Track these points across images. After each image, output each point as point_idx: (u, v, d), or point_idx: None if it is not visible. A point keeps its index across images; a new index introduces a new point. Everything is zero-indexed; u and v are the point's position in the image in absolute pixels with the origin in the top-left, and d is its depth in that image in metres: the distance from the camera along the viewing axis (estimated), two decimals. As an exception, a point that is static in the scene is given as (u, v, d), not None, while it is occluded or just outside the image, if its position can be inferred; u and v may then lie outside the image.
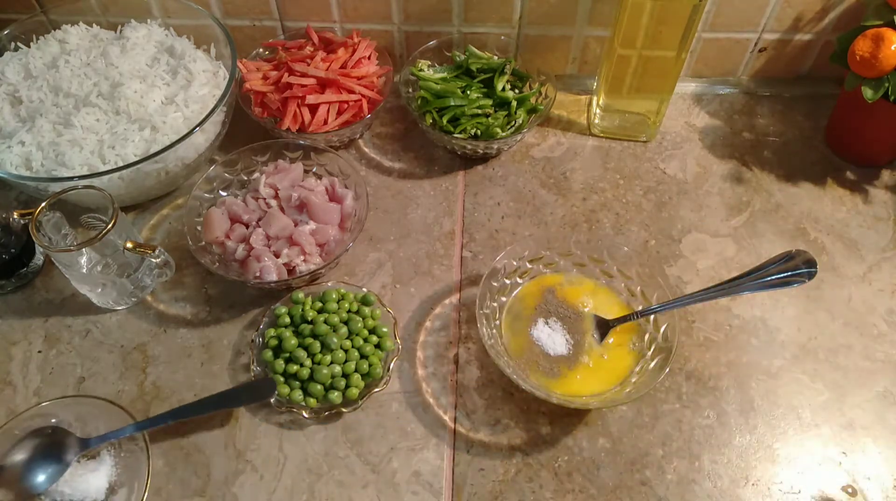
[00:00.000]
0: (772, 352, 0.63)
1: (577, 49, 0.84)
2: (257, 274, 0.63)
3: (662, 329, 0.60)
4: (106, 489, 0.55)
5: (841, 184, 0.77)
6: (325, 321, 0.61)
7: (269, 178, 0.69)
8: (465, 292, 0.67)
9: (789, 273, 0.58)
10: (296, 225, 0.66)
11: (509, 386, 0.61)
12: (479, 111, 0.75)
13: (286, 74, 0.76)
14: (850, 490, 0.56)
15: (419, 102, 0.76)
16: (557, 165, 0.78)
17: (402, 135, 0.82)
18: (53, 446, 0.55)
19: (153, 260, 0.63)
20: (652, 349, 0.60)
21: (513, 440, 0.58)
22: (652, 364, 0.58)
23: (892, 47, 0.65)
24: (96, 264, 0.63)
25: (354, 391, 0.59)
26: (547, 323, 0.62)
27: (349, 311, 0.63)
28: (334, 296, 0.63)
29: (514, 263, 0.64)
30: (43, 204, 0.60)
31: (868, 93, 0.67)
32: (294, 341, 0.60)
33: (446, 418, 0.59)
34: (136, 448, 0.57)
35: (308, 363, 0.59)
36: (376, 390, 0.59)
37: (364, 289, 0.65)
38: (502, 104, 0.77)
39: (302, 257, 0.64)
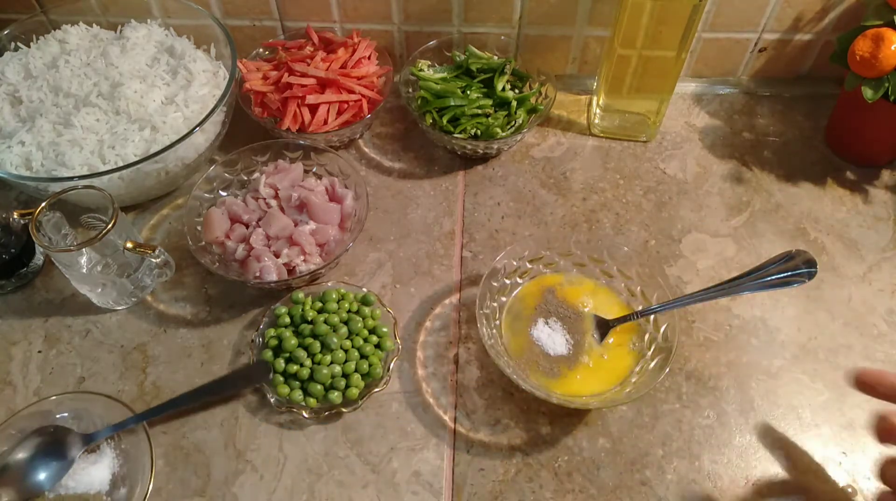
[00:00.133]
0: (772, 352, 0.63)
1: (577, 49, 0.84)
2: (257, 274, 0.63)
3: (662, 329, 0.60)
4: (109, 480, 0.56)
5: (841, 184, 0.77)
6: (325, 321, 0.61)
7: (269, 178, 0.69)
8: (465, 292, 0.67)
9: (789, 273, 0.58)
10: (296, 225, 0.66)
11: (509, 386, 0.61)
12: (479, 111, 0.75)
13: (286, 74, 0.76)
14: (850, 489, 0.56)
15: (419, 102, 0.76)
16: (557, 165, 0.78)
17: (402, 135, 0.82)
18: (56, 444, 0.56)
19: (153, 260, 0.63)
20: (652, 349, 0.60)
21: (513, 440, 0.58)
22: (652, 364, 0.58)
23: (892, 47, 0.65)
24: (96, 264, 0.63)
25: (354, 391, 0.59)
26: (547, 323, 0.62)
27: (349, 311, 0.63)
28: (334, 296, 0.63)
29: (514, 263, 0.64)
30: (43, 204, 0.60)
31: (868, 93, 0.67)
32: (294, 341, 0.60)
33: (446, 418, 0.59)
34: (137, 438, 0.57)
35: (308, 363, 0.59)
36: (376, 390, 0.59)
37: (364, 289, 0.65)
38: (502, 104, 0.77)
39: (302, 257, 0.64)
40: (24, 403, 0.60)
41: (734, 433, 0.58)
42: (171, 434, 0.59)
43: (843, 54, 0.70)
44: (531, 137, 0.81)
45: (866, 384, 0.49)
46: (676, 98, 0.85)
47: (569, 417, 0.59)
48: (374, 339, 0.62)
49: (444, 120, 0.74)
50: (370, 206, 0.72)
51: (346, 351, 0.60)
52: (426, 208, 0.74)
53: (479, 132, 0.74)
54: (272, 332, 0.62)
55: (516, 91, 0.79)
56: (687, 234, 0.72)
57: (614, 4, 0.70)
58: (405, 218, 0.74)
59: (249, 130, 0.79)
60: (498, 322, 0.62)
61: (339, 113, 0.77)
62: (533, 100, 0.77)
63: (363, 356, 0.61)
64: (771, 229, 0.72)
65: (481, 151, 0.77)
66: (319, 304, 0.63)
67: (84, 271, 0.62)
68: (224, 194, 0.71)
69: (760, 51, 0.83)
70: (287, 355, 0.60)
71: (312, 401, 0.59)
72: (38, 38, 0.78)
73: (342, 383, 0.59)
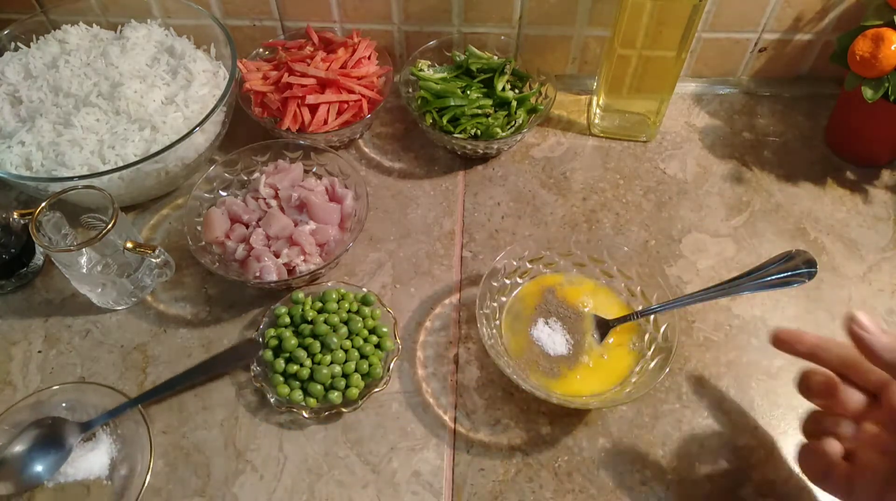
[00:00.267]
0: (772, 352, 0.62)
1: (577, 49, 0.84)
2: (257, 274, 0.63)
3: (662, 329, 0.60)
4: (109, 464, 0.56)
5: (841, 184, 0.77)
6: (325, 321, 0.61)
7: (269, 178, 0.69)
8: (465, 292, 0.67)
9: (789, 273, 0.58)
10: (296, 225, 0.66)
11: (509, 386, 0.61)
12: (479, 111, 0.75)
13: (286, 74, 0.76)
14: (850, 490, 0.56)
15: (419, 102, 0.76)
16: (557, 165, 0.78)
17: (402, 135, 0.82)
18: (52, 434, 0.56)
19: (153, 260, 0.63)
20: (652, 349, 0.60)
21: (513, 440, 0.58)
22: (652, 364, 0.58)
23: (892, 47, 0.65)
24: (96, 264, 0.63)
25: (354, 391, 0.59)
26: (547, 323, 0.62)
27: (349, 311, 0.63)
28: (334, 296, 0.63)
29: (514, 263, 0.64)
30: (43, 204, 0.60)
31: (868, 93, 0.67)
32: (294, 341, 0.60)
33: (446, 418, 0.59)
34: (133, 422, 0.57)
35: (308, 363, 0.59)
36: (376, 390, 0.59)
37: (364, 289, 0.65)
38: (502, 104, 0.77)
39: (302, 257, 0.64)
40: (24, 403, 0.60)
41: (734, 433, 0.58)
42: (171, 434, 0.59)
43: (843, 54, 0.70)
44: (531, 137, 0.81)
45: (783, 341, 0.52)
46: (676, 98, 0.85)
47: (569, 417, 0.59)
48: (374, 339, 0.62)
49: (444, 120, 0.74)
50: (370, 206, 0.72)
51: (346, 351, 0.60)
52: (426, 208, 0.74)
53: (479, 132, 0.74)
54: (272, 332, 0.62)
55: (516, 91, 0.79)
56: (687, 234, 0.72)
57: (614, 4, 0.70)
58: (405, 218, 0.74)
59: (249, 130, 0.79)
60: (498, 322, 0.62)
61: (339, 113, 0.77)
62: (533, 100, 0.77)
63: (363, 356, 0.61)
64: (771, 229, 0.72)
65: (481, 151, 0.77)
66: (319, 304, 0.63)
67: (84, 271, 0.62)
68: (224, 194, 0.71)
69: (760, 51, 0.83)
70: (287, 355, 0.60)
71: (312, 401, 0.59)
72: (38, 38, 0.78)
73: (342, 383, 0.59)
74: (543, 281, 0.65)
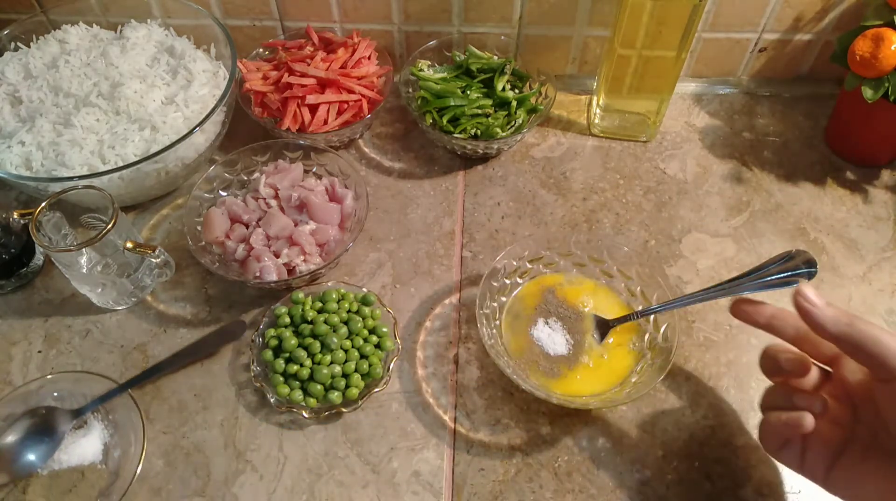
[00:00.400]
0: (772, 352, 0.63)
1: (577, 49, 0.84)
2: (257, 274, 0.63)
3: (662, 329, 0.60)
4: (102, 449, 0.57)
5: (841, 184, 0.77)
6: (325, 321, 0.61)
7: (269, 178, 0.69)
8: (465, 292, 0.67)
9: (789, 273, 0.58)
10: (296, 225, 0.66)
11: (509, 386, 0.61)
12: (479, 111, 0.75)
13: (286, 74, 0.76)
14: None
15: (419, 102, 0.76)
16: (557, 165, 0.78)
17: (402, 135, 0.82)
18: (43, 423, 0.57)
19: (153, 260, 0.63)
20: (652, 350, 0.60)
21: (513, 440, 0.58)
22: (652, 364, 0.58)
23: (892, 47, 0.65)
24: (96, 264, 0.63)
25: (354, 391, 0.59)
26: (547, 323, 0.62)
27: (349, 311, 0.63)
28: (334, 296, 0.63)
29: (514, 263, 0.64)
30: (43, 204, 0.60)
31: (868, 93, 0.67)
32: (294, 341, 0.60)
33: (446, 418, 0.59)
34: (124, 406, 0.58)
35: (308, 363, 0.59)
36: (376, 390, 0.59)
37: (364, 289, 0.65)
38: (502, 104, 0.77)
39: (302, 257, 0.64)
40: (24, 403, 0.60)
41: (734, 433, 0.58)
42: (171, 434, 0.59)
43: (843, 54, 0.70)
44: (531, 137, 0.81)
45: (743, 311, 0.52)
46: (676, 98, 0.85)
47: (569, 417, 0.59)
48: (374, 339, 0.62)
49: (444, 120, 0.74)
50: (370, 206, 0.72)
51: (346, 351, 0.60)
52: (426, 208, 0.74)
53: (479, 132, 0.74)
54: (272, 332, 0.62)
55: (516, 91, 0.79)
56: (687, 234, 0.72)
57: (614, 4, 0.70)
58: (405, 218, 0.74)
59: (249, 130, 0.79)
60: (498, 322, 0.62)
61: (339, 113, 0.77)
62: (533, 100, 0.77)
63: (363, 356, 0.61)
64: (771, 229, 0.72)
65: (481, 151, 0.77)
66: (319, 304, 0.63)
67: (84, 271, 0.62)
68: (224, 194, 0.71)
69: (760, 51, 0.83)
70: (287, 355, 0.60)
71: (312, 401, 0.59)
72: (38, 38, 0.79)
73: (342, 383, 0.59)
74: (543, 281, 0.65)
